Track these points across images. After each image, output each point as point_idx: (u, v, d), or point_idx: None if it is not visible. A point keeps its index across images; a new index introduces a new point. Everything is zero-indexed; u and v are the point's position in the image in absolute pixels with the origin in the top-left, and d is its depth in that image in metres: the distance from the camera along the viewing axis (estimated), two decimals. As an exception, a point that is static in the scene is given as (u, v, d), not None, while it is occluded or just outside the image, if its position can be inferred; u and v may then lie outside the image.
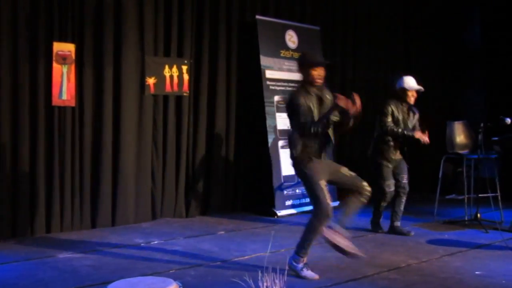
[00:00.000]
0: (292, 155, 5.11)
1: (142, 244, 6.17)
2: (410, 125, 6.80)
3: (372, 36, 9.87)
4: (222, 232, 6.88)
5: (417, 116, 6.91)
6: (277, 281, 3.37)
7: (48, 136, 6.59)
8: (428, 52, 10.73)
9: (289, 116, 5.16)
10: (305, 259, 5.06)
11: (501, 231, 6.75)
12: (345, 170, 5.15)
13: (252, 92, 8.26)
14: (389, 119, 6.66)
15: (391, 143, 6.72)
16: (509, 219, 7.09)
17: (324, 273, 5.09)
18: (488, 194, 7.87)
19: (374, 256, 5.74)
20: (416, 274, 5.11)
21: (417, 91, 6.76)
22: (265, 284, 3.34)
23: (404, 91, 6.73)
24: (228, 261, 5.53)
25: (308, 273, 5.01)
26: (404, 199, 6.84)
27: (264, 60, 8.16)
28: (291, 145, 5.13)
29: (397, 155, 6.79)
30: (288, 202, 8.10)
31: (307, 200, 8.21)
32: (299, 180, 5.34)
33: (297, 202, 8.17)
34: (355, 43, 9.81)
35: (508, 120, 6.89)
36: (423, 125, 6.89)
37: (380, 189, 6.70)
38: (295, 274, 4.98)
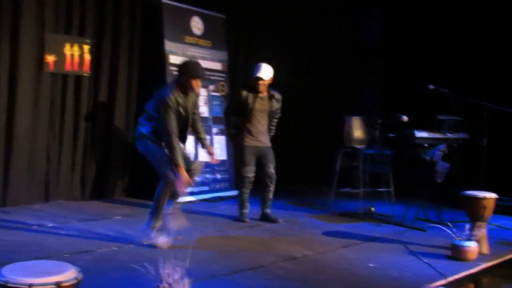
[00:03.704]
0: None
1: (34, 227, 5.95)
2: (271, 113, 6.98)
3: (277, 32, 9.86)
4: (118, 217, 6.75)
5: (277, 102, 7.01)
6: (177, 268, 3.34)
7: None
8: (328, 50, 10.91)
9: (157, 110, 5.55)
10: (157, 224, 5.51)
11: (393, 225, 6.99)
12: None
13: (154, 76, 8.11)
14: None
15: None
16: (400, 213, 7.33)
17: (222, 261, 5.09)
18: (382, 189, 8.14)
19: (270, 246, 5.80)
20: (311, 265, 5.21)
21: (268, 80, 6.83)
22: (166, 270, 3.30)
23: (253, 79, 6.82)
24: (124, 246, 5.42)
25: (159, 240, 5.42)
26: (272, 188, 6.98)
27: (168, 45, 8.05)
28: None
29: (264, 143, 6.87)
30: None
31: (206, 188, 8.24)
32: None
33: (196, 189, 8.12)
34: (259, 37, 9.77)
35: (405, 118, 7.10)
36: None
37: (240, 175, 6.91)
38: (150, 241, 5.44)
